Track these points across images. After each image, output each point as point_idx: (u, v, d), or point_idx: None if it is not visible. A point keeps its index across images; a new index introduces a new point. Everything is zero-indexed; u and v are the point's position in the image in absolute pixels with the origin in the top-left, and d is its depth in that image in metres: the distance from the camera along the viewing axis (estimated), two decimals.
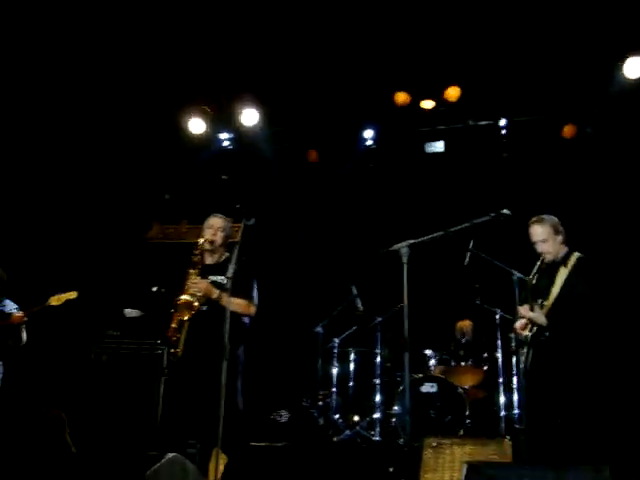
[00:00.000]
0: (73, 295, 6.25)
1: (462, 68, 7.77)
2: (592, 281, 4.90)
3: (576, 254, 5.04)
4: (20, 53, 7.40)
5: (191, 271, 5.08)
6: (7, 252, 7.03)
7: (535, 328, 5.00)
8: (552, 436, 4.82)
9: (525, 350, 5.10)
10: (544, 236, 5.04)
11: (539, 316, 4.93)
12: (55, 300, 6.21)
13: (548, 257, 5.07)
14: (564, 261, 5.03)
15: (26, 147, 8.26)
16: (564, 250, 5.08)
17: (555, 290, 4.98)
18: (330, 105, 8.41)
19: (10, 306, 6.38)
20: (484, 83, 7.90)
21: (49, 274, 7.87)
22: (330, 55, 7.66)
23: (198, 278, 5.05)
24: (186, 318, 4.97)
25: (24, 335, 6.32)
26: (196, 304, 4.96)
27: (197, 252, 5.15)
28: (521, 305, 5.08)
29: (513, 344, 6.57)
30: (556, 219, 5.12)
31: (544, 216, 5.13)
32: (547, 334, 4.92)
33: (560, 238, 5.07)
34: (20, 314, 6.23)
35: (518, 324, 5.17)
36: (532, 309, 4.98)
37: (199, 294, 5.00)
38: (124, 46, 7.48)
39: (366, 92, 8.20)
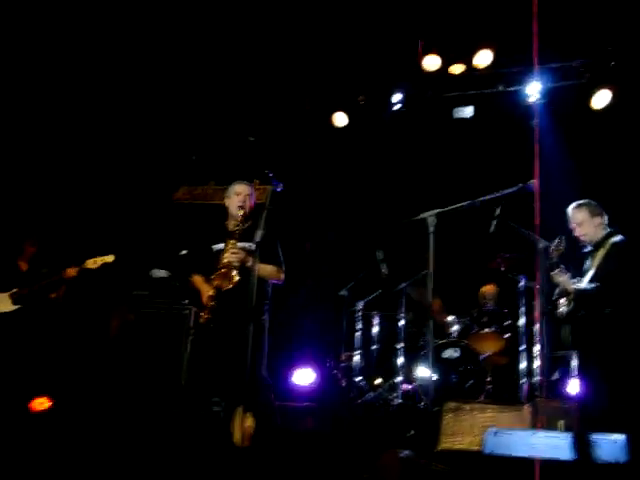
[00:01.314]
0: (110, 259, 6.35)
1: (493, 32, 7.66)
2: (621, 260, 5.00)
3: (615, 236, 5.12)
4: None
5: (230, 241, 5.06)
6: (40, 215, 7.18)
7: (572, 305, 5.08)
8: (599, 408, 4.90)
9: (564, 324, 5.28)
10: (580, 220, 5.22)
11: (567, 282, 5.10)
12: (92, 263, 6.31)
13: (584, 239, 5.25)
14: (602, 243, 5.18)
15: (55, 111, 8.34)
16: (603, 232, 5.21)
17: (591, 271, 5.13)
18: (359, 68, 8.34)
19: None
20: (514, 47, 7.78)
21: (80, 236, 7.99)
22: (359, 18, 7.59)
23: (237, 248, 5.06)
24: (225, 288, 5.00)
25: (68, 291, 6.49)
26: (237, 277, 4.97)
27: (235, 223, 5.15)
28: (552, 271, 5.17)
29: (538, 312, 6.62)
30: (595, 203, 5.26)
31: (582, 201, 5.28)
32: (583, 312, 5.06)
33: (597, 220, 5.22)
34: (73, 269, 6.35)
35: (562, 300, 5.27)
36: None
37: (237, 264, 5.04)
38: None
39: (396, 55, 8.13)
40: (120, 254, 7.16)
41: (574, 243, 5.36)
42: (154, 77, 8.45)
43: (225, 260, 5.03)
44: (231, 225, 5.20)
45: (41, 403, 6.57)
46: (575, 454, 3.48)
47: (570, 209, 5.28)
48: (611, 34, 7.38)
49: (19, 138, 8.15)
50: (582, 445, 3.60)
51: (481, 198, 4.89)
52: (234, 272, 4.99)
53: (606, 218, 5.23)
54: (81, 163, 8.67)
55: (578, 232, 5.22)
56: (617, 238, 5.12)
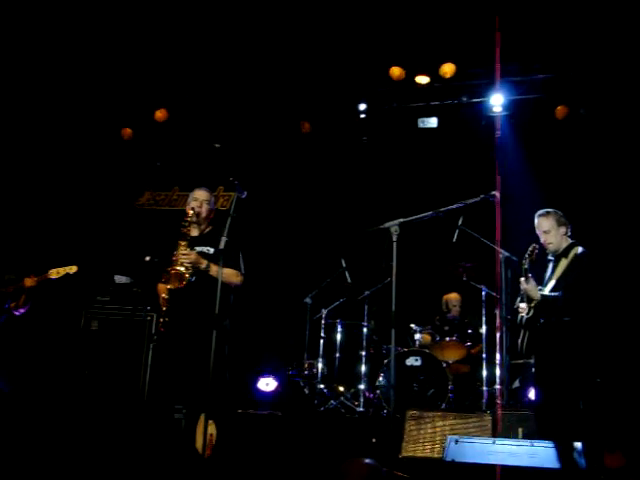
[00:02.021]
0: (73, 269, 6.29)
1: (458, 44, 7.76)
2: (586, 273, 5.10)
3: (577, 248, 5.22)
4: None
5: (181, 242, 5.12)
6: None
7: (532, 312, 5.17)
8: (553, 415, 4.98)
9: (522, 331, 5.32)
10: (547, 228, 5.27)
11: (534, 289, 5.15)
12: (54, 273, 6.25)
13: (550, 247, 5.31)
14: (566, 253, 5.26)
15: (19, 118, 8.26)
16: (567, 242, 5.30)
17: (553, 279, 5.22)
18: (326, 77, 8.39)
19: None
20: (478, 60, 7.90)
21: (43, 241, 7.91)
22: (327, 26, 7.63)
23: (188, 249, 5.10)
24: (177, 288, 5.02)
25: (29, 300, 6.40)
26: (187, 275, 5.01)
27: (186, 224, 5.19)
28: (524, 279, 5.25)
29: (498, 321, 6.71)
30: (561, 213, 5.33)
31: (549, 209, 5.34)
32: (542, 320, 5.15)
33: (562, 230, 5.29)
34: (32, 278, 6.28)
35: (521, 305, 5.35)
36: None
37: (189, 265, 5.05)
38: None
39: (362, 65, 8.19)
40: (83, 259, 7.10)
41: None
42: (121, 80, 8.39)
43: (176, 262, 5.05)
44: (185, 229, 5.23)
45: None
46: (560, 463, 3.52)
47: (537, 216, 5.36)
48: (573, 48, 7.53)
49: None
50: (566, 454, 3.65)
51: (444, 208, 4.94)
52: (185, 272, 5.00)
53: (570, 229, 5.33)
54: (46, 169, 8.59)
55: (544, 240, 5.30)
56: (580, 250, 5.22)
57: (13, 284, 6.37)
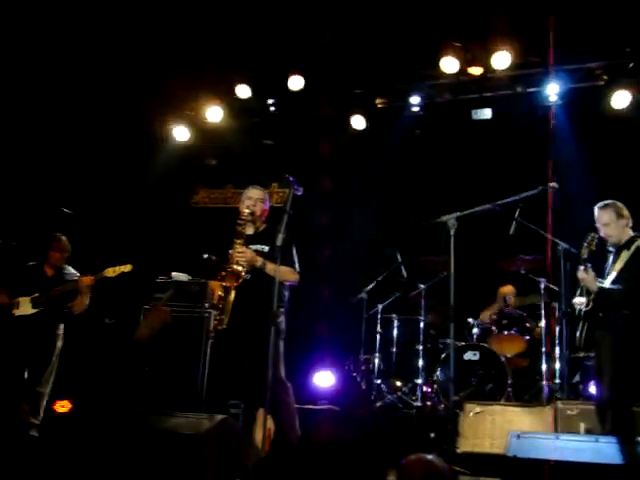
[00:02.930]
0: (128, 268, 6.44)
1: (511, 33, 7.64)
2: None
3: (639, 241, 5.12)
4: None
5: (236, 241, 5.16)
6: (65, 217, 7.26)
7: (590, 305, 5.08)
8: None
9: (580, 324, 5.24)
10: (606, 220, 5.20)
11: (592, 280, 5.07)
12: (110, 272, 6.40)
13: (611, 240, 5.24)
14: (628, 245, 5.17)
15: (74, 115, 8.44)
16: (628, 235, 5.20)
17: (614, 272, 5.14)
18: (378, 70, 8.36)
19: (71, 273, 6.67)
20: (532, 49, 7.77)
21: (101, 241, 8.08)
22: (377, 20, 7.60)
23: (243, 248, 5.14)
24: (232, 286, 5.07)
25: (87, 299, 6.56)
26: (243, 273, 5.06)
27: (241, 223, 5.23)
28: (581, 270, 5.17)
29: (557, 314, 6.61)
30: (620, 204, 5.24)
31: (609, 201, 5.26)
32: (600, 314, 5.06)
33: (623, 222, 5.21)
34: (89, 277, 6.44)
35: (577, 299, 5.27)
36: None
37: (245, 263, 5.09)
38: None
39: (413, 57, 8.14)
40: (141, 258, 7.22)
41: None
42: (178, 76, 8.50)
43: (231, 260, 5.10)
44: (240, 228, 5.27)
45: (62, 406, 6.64)
46: (624, 459, 3.46)
47: (597, 209, 5.27)
48: (629, 35, 7.34)
49: (44, 146, 8.26)
50: (630, 450, 3.58)
51: (501, 201, 4.88)
52: (241, 271, 5.04)
53: (631, 221, 5.21)
54: (104, 170, 8.76)
55: (604, 232, 5.21)
56: None
57: (66, 284, 6.55)
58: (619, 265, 5.13)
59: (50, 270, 6.72)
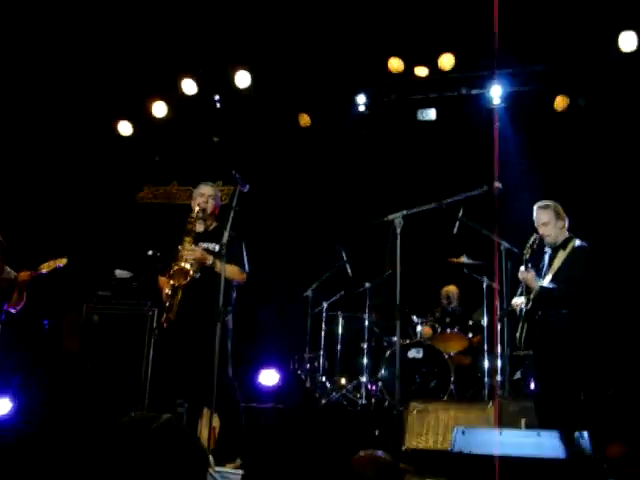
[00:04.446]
0: (63, 261, 6.29)
1: (457, 35, 7.75)
2: (586, 266, 5.15)
3: (576, 240, 5.26)
4: None
5: (186, 238, 5.08)
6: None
7: (530, 304, 5.19)
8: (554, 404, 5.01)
9: (520, 323, 5.36)
10: (545, 220, 5.30)
11: (533, 279, 5.19)
12: (45, 267, 6.26)
13: (548, 239, 5.34)
14: (564, 245, 5.30)
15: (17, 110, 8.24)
16: (564, 235, 5.33)
17: (552, 271, 5.25)
18: (324, 69, 8.37)
19: (7, 271, 6.50)
20: (478, 52, 7.88)
21: (42, 237, 7.90)
22: (325, 18, 7.62)
23: (193, 246, 5.08)
24: (180, 285, 5.00)
25: (24, 296, 6.41)
26: (191, 272, 4.99)
27: (191, 220, 5.16)
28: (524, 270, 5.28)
29: (498, 312, 6.72)
30: (559, 206, 5.37)
31: (548, 202, 5.37)
32: (540, 313, 5.17)
33: (561, 223, 5.33)
34: (25, 273, 6.29)
35: (515, 300, 5.42)
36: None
37: (193, 261, 5.03)
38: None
39: (360, 57, 8.17)
40: (83, 254, 7.09)
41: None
42: (119, 72, 8.36)
43: (180, 258, 5.03)
44: (190, 225, 5.20)
45: None
46: (565, 452, 3.55)
47: (536, 208, 5.38)
48: (571, 41, 7.53)
49: None
50: (571, 443, 3.67)
51: (446, 200, 4.94)
52: (190, 269, 4.98)
53: (567, 222, 5.35)
54: (45, 164, 8.57)
55: (542, 232, 5.32)
56: (578, 242, 5.25)
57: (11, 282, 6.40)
58: (557, 264, 5.25)
59: None
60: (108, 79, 8.47)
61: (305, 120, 8.96)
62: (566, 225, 5.35)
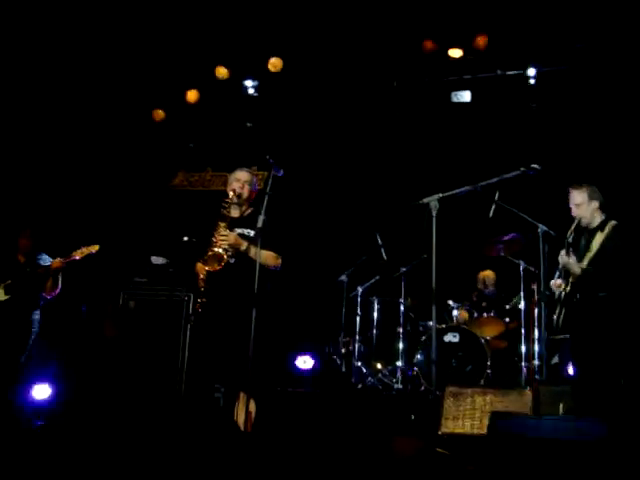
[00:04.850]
0: (95, 248, 6.39)
1: (491, 16, 7.63)
2: (626, 248, 5.04)
3: (613, 222, 5.17)
4: None
5: (220, 224, 5.08)
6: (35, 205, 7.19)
7: (569, 288, 5.11)
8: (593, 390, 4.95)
9: (558, 307, 5.30)
10: (579, 201, 5.24)
11: (575, 265, 5.11)
12: (78, 253, 6.37)
13: (583, 221, 5.27)
14: (601, 227, 5.21)
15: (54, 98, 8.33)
16: (600, 217, 5.25)
17: (590, 254, 5.17)
18: (359, 52, 8.31)
19: (47, 259, 6.63)
20: (513, 32, 7.76)
21: (79, 225, 8.00)
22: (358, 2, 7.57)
23: (227, 231, 5.08)
24: (215, 270, 5.01)
25: (59, 282, 6.56)
26: (226, 257, 4.99)
27: (226, 205, 5.16)
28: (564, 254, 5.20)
29: (536, 296, 6.65)
30: (594, 186, 5.28)
31: (583, 183, 5.30)
32: (578, 296, 5.09)
33: (595, 204, 5.24)
34: (58, 260, 6.40)
35: (554, 282, 5.30)
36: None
37: (228, 247, 5.04)
38: None
39: (394, 40, 8.10)
40: (119, 241, 7.15)
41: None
42: (153, 60, 8.40)
43: (215, 243, 5.04)
44: (225, 210, 5.20)
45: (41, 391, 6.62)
46: (604, 436, 3.51)
47: (570, 189, 5.29)
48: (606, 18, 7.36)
49: (11, 135, 8.15)
50: (609, 427, 3.63)
51: (482, 183, 4.87)
52: (224, 254, 4.99)
53: (602, 203, 5.24)
54: (78, 154, 8.65)
55: (575, 213, 5.25)
56: (616, 224, 5.15)
57: (37, 269, 6.53)
58: (595, 247, 5.16)
59: (22, 257, 6.69)
60: (143, 66, 8.52)
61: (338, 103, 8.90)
62: (600, 207, 5.25)
